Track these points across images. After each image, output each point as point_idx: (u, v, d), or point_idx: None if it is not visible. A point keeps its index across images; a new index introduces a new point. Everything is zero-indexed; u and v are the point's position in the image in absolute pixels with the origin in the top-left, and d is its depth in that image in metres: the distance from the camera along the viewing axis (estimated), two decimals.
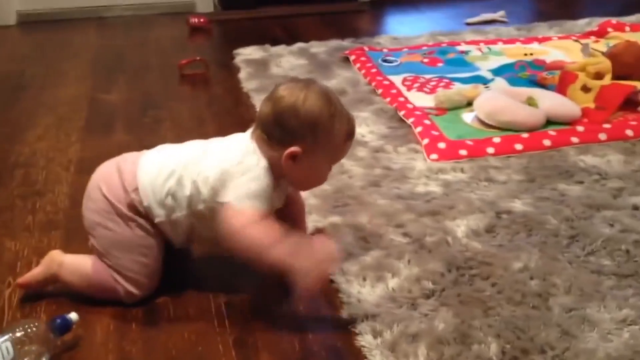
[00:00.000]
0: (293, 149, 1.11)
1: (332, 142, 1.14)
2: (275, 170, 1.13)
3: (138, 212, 1.15)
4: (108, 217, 1.15)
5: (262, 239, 1.07)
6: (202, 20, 3.00)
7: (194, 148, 1.19)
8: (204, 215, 1.14)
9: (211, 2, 3.26)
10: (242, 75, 2.33)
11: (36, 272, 1.21)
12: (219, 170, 1.11)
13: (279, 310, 1.16)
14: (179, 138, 1.85)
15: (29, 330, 1.02)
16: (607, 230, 1.32)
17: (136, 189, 1.15)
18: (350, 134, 1.17)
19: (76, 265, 1.20)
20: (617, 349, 1.00)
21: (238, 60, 2.49)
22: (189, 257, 1.30)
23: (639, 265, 1.20)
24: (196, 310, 1.18)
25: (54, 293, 1.21)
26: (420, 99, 2.00)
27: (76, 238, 1.40)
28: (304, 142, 1.11)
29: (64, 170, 1.71)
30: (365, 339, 1.06)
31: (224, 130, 1.92)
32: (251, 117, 1.99)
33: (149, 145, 1.75)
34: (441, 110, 1.91)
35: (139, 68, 2.50)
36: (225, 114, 2.07)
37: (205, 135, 1.87)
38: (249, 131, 1.17)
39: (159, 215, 1.15)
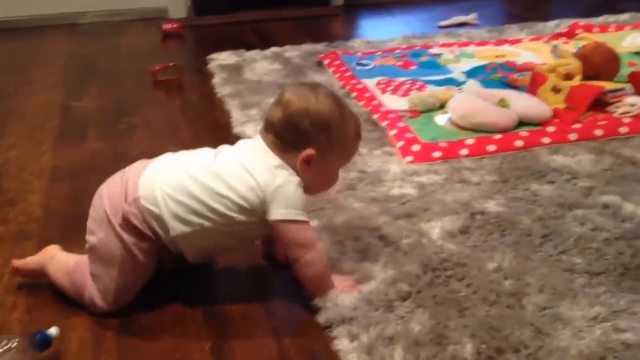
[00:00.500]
0: (309, 151, 1.12)
1: (344, 142, 1.17)
2: None
3: (132, 229, 1.12)
4: (101, 227, 1.14)
5: (320, 256, 1.15)
6: (175, 25, 2.99)
7: (204, 160, 1.15)
8: (234, 228, 1.13)
9: (184, 8, 3.25)
10: (216, 80, 2.33)
11: (30, 260, 1.23)
12: (252, 186, 1.10)
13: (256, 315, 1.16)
14: (154, 144, 1.87)
15: (7, 346, 1.01)
16: (578, 229, 1.34)
17: (137, 199, 1.12)
18: (358, 133, 1.20)
19: (63, 261, 1.21)
20: (589, 346, 1.02)
21: (212, 65, 2.49)
22: (163, 266, 1.30)
23: (610, 263, 1.22)
24: (172, 317, 1.17)
25: (30, 303, 1.20)
26: (394, 102, 2.01)
27: None
28: (318, 144, 1.13)
29: (36, 179, 1.69)
30: (341, 343, 1.06)
31: (199, 136, 1.94)
32: (226, 122, 1.99)
33: (123, 153, 1.75)
34: (415, 112, 1.93)
35: (111, 75, 2.48)
36: (200, 120, 2.06)
37: (180, 141, 1.89)
38: (258, 138, 1.16)
39: (174, 228, 1.12)
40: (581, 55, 2.07)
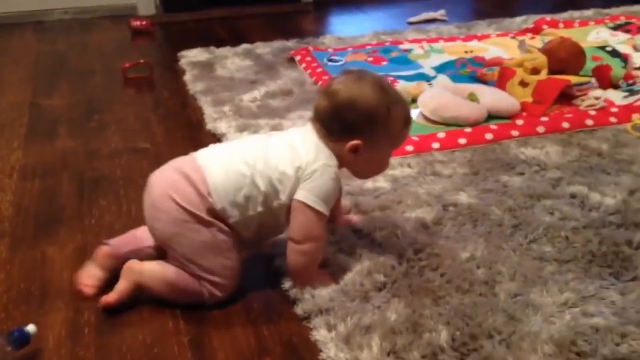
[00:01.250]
0: (354, 142, 1.14)
1: (391, 131, 1.18)
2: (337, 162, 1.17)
3: (217, 216, 1.14)
4: (187, 225, 1.13)
5: (318, 251, 1.17)
6: (144, 23, 2.97)
7: (256, 146, 1.18)
8: (278, 211, 1.16)
9: (153, 5, 3.23)
10: (187, 77, 2.32)
11: (122, 287, 1.16)
12: (295, 168, 1.13)
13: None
14: (126, 141, 1.86)
15: None
16: (547, 219, 1.37)
17: (210, 193, 1.13)
18: (407, 119, 1.20)
19: (157, 272, 1.17)
20: (559, 330, 1.04)
21: (183, 62, 2.48)
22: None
23: (578, 251, 1.26)
24: (150, 312, 1.17)
25: (6, 300, 1.19)
26: None
27: (22, 245, 1.37)
28: (364, 134, 1.14)
29: (6, 178, 1.67)
30: (319, 333, 1.08)
31: (171, 132, 1.93)
32: (198, 118, 1.99)
33: (95, 150, 1.73)
34: None
35: (81, 72, 2.45)
36: (172, 117, 2.06)
37: (152, 138, 1.88)
38: (308, 124, 1.19)
39: (233, 215, 1.15)
40: (547, 50, 2.12)
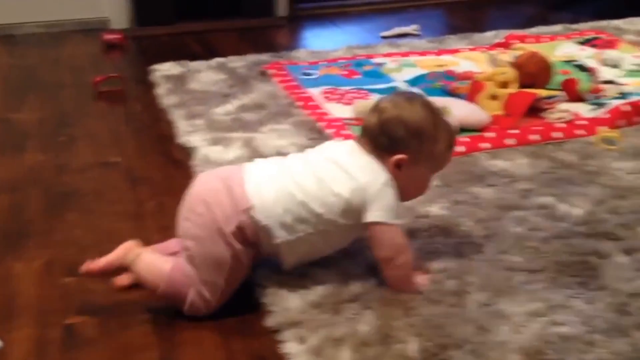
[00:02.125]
0: (400, 156, 1.17)
1: (436, 151, 1.20)
2: None
3: (243, 237, 1.15)
4: (209, 234, 1.14)
5: (410, 259, 1.19)
6: (117, 36, 2.95)
7: (304, 165, 1.20)
8: (331, 233, 1.17)
9: (126, 18, 3.21)
10: (160, 91, 2.31)
11: (111, 259, 1.18)
12: (351, 190, 1.15)
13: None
14: (97, 156, 1.85)
15: None
16: (517, 229, 1.39)
17: (247, 209, 1.14)
18: (451, 143, 1.23)
19: (153, 263, 1.18)
20: (528, 340, 1.05)
21: (156, 76, 2.47)
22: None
23: (547, 261, 1.27)
24: (118, 327, 1.16)
25: None
26: (339, 110, 2.04)
27: None
28: (409, 150, 1.17)
29: None
30: (290, 346, 1.07)
31: (143, 146, 1.92)
32: (170, 132, 1.98)
33: (65, 165, 1.72)
34: (359, 120, 1.96)
35: (51, 86, 2.43)
36: (144, 130, 2.05)
37: (124, 151, 1.87)
38: (354, 142, 1.22)
39: (280, 236, 1.15)
40: (517, 65, 2.15)
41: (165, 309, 1.19)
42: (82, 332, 1.15)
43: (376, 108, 1.21)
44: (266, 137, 1.87)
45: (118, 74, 2.40)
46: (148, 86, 2.40)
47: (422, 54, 2.64)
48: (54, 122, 2.09)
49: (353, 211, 1.16)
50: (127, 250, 1.19)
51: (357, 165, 1.18)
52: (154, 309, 1.20)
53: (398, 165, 1.18)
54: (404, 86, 2.24)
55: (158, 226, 1.48)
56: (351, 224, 1.18)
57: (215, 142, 1.84)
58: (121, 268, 1.19)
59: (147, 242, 1.40)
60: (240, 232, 1.14)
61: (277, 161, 1.24)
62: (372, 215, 1.16)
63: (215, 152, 1.79)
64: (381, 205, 1.16)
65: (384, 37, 3.06)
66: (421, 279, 1.22)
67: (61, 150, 1.89)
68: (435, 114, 1.21)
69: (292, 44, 3.01)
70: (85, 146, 1.92)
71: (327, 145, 1.27)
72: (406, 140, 1.17)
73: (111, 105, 2.28)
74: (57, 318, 1.17)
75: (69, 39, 3.07)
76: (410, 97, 1.22)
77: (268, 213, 1.14)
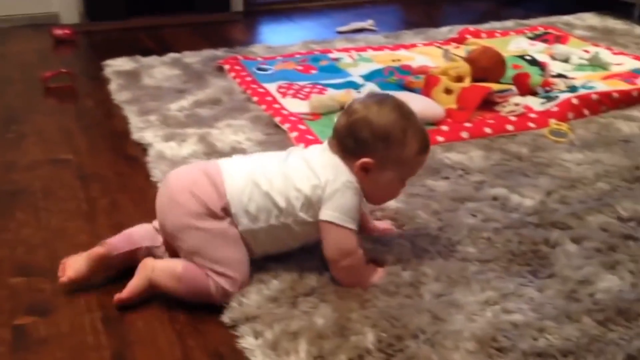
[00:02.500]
0: (364, 160, 1.15)
1: (404, 156, 1.17)
2: None
3: (230, 216, 1.17)
4: (200, 217, 1.15)
5: (356, 262, 1.18)
6: (67, 31, 2.88)
7: (277, 162, 1.21)
8: (293, 227, 1.18)
9: (76, 13, 3.14)
10: (112, 87, 2.27)
11: (135, 284, 1.17)
12: (312, 186, 1.15)
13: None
14: (46, 153, 1.80)
15: None
16: (471, 221, 1.41)
17: (225, 195, 1.16)
18: (424, 148, 1.20)
19: (167, 267, 1.18)
20: (481, 328, 1.07)
21: (108, 71, 2.42)
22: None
23: (499, 251, 1.29)
24: (69, 327, 1.13)
25: None
26: (295, 105, 2.03)
27: None
28: (376, 153, 1.15)
29: None
30: (246, 341, 1.07)
31: (95, 143, 1.88)
32: (124, 129, 1.94)
33: (13, 162, 1.67)
34: (315, 115, 1.96)
35: None
36: (96, 127, 2.00)
37: (75, 148, 1.83)
38: (326, 143, 1.21)
39: (243, 224, 1.17)
40: (470, 59, 2.18)
41: (115, 308, 1.17)
42: (32, 332, 1.12)
43: (348, 109, 1.20)
44: (221, 133, 1.85)
45: (68, 70, 2.34)
46: (100, 82, 2.35)
47: (378, 49, 2.65)
48: (1, 119, 2.03)
49: (312, 207, 1.16)
50: (146, 269, 1.17)
51: (321, 163, 1.18)
52: (105, 307, 1.17)
53: (364, 169, 1.16)
54: (360, 81, 2.25)
55: (110, 224, 1.45)
56: (312, 222, 1.17)
57: (169, 138, 1.82)
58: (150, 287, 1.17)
59: (99, 239, 1.38)
60: (226, 213, 1.16)
61: (254, 157, 1.27)
62: (324, 213, 1.15)
63: (170, 148, 1.76)
64: (336, 206, 1.15)
65: (340, 33, 3.06)
66: (376, 274, 1.22)
67: (9, 147, 1.84)
68: (406, 118, 1.18)
69: (248, 39, 2.99)
70: (34, 143, 1.87)
71: (310, 146, 1.29)
72: (372, 143, 1.15)
73: (61, 101, 2.22)
74: (6, 319, 1.14)
75: (17, 34, 2.99)
76: (381, 99, 1.19)
77: (236, 200, 1.16)
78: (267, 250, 1.22)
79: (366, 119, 1.15)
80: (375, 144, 1.15)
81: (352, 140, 1.16)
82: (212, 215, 1.15)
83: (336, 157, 1.18)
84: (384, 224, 1.39)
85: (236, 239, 1.17)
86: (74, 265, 1.20)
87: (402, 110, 1.19)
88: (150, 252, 1.24)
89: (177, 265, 1.17)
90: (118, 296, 1.16)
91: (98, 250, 1.22)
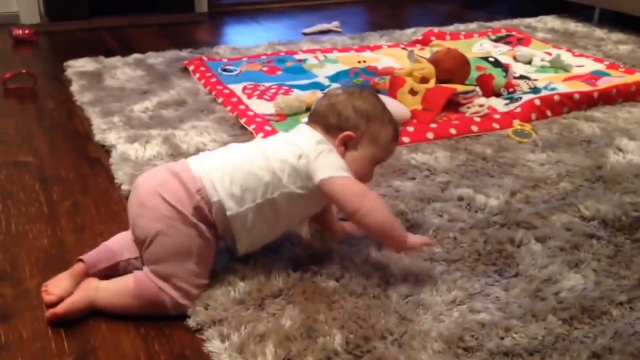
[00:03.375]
0: (347, 133, 1.20)
1: (382, 137, 1.23)
2: None
3: (202, 217, 1.14)
4: (170, 223, 1.12)
5: (377, 201, 1.18)
6: (27, 32, 2.82)
7: (249, 146, 1.23)
8: (279, 201, 1.17)
9: (37, 13, 3.07)
10: (74, 88, 2.23)
11: (74, 301, 1.13)
12: (297, 156, 1.16)
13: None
14: (6, 155, 1.76)
15: None
16: (437, 221, 1.41)
17: (199, 190, 1.14)
18: (396, 135, 1.28)
19: (115, 285, 1.15)
20: (448, 327, 1.08)
21: (69, 72, 2.37)
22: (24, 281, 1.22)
23: (465, 250, 1.30)
24: (30, 333, 1.10)
25: None
26: (261, 106, 2.02)
27: None
28: (357, 130, 1.21)
29: None
30: (212, 345, 1.05)
31: (56, 144, 1.85)
32: (86, 130, 1.91)
33: None
34: (281, 116, 1.95)
35: None
36: (57, 128, 1.96)
37: (35, 150, 1.79)
38: (302, 124, 1.26)
39: (230, 208, 1.14)
40: (435, 61, 2.20)
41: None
42: None
43: (328, 94, 1.27)
44: (186, 134, 1.83)
45: (28, 70, 2.29)
46: (61, 83, 2.31)
47: (344, 50, 2.66)
48: None
49: (299, 177, 1.16)
50: (87, 289, 1.14)
51: (302, 137, 1.21)
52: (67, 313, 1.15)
53: (344, 143, 1.21)
54: (325, 82, 2.25)
55: (73, 226, 1.42)
56: (299, 193, 1.17)
57: (132, 139, 1.79)
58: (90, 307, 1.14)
59: (61, 242, 1.35)
60: (198, 213, 1.14)
61: (222, 149, 1.26)
62: (321, 173, 1.16)
63: (134, 150, 1.73)
64: (326, 164, 1.17)
65: (306, 34, 3.06)
66: (419, 239, 1.22)
67: None
68: (383, 104, 1.26)
69: (213, 40, 2.97)
70: None
71: (280, 133, 1.32)
72: (353, 119, 1.21)
73: (21, 102, 2.17)
74: None
75: None
76: (360, 87, 1.30)
77: (217, 188, 1.14)
78: (254, 241, 1.21)
79: (349, 100, 1.23)
80: (358, 120, 1.21)
81: (335, 117, 1.21)
82: (183, 220, 1.12)
83: (316, 132, 1.22)
84: (350, 225, 1.38)
85: (202, 251, 1.15)
86: (59, 284, 1.17)
87: (379, 98, 1.29)
88: (130, 265, 1.20)
89: (127, 281, 1.14)
90: (52, 311, 1.11)
91: (79, 267, 1.19)
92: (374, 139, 1.23)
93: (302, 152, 1.17)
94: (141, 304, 1.13)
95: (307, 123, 1.26)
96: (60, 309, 1.12)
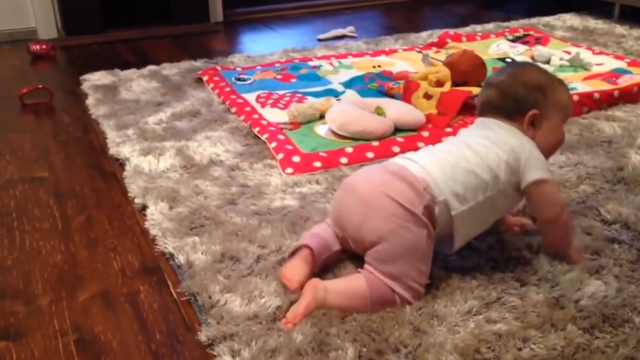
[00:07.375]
0: (532, 112, 1.21)
1: (561, 100, 1.25)
2: None
3: (430, 217, 1.14)
4: (401, 223, 1.12)
5: (569, 215, 1.24)
6: (44, 47, 2.85)
7: (451, 144, 1.24)
8: (497, 197, 1.18)
9: (54, 28, 3.11)
10: (89, 101, 2.24)
11: (308, 303, 1.11)
12: (506, 151, 1.18)
13: None
14: (22, 171, 1.77)
15: None
16: None
17: (425, 188, 1.14)
18: (568, 89, 1.28)
19: (344, 287, 1.14)
20: (463, 339, 1.04)
21: (85, 86, 2.39)
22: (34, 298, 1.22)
23: (481, 257, 1.27)
24: (42, 352, 1.09)
25: None
26: (275, 115, 2.01)
27: None
28: (537, 105, 1.22)
29: None
30: None
31: (71, 159, 1.85)
32: (100, 144, 1.91)
33: None
34: (295, 124, 1.94)
35: None
36: (73, 143, 1.97)
37: (51, 165, 1.79)
38: (479, 120, 1.27)
39: (455, 207, 1.15)
40: (449, 63, 2.16)
41: (91, 328, 1.14)
42: (4, 357, 1.08)
43: (490, 84, 1.27)
44: (199, 145, 1.82)
45: (45, 85, 2.31)
46: (77, 97, 2.32)
47: (359, 55, 2.64)
48: None
49: (513, 174, 1.18)
50: (315, 290, 1.13)
51: (501, 132, 1.22)
52: (79, 329, 1.14)
53: (532, 123, 1.22)
54: (340, 88, 2.23)
55: (86, 241, 1.42)
56: (509, 192, 1.19)
57: (146, 151, 1.79)
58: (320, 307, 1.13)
59: (74, 258, 1.35)
60: (427, 212, 1.14)
61: (425, 149, 1.27)
62: (532, 174, 1.18)
63: (147, 162, 1.73)
64: (536, 163, 1.18)
65: (321, 40, 3.05)
66: (577, 252, 1.26)
67: None
68: (546, 71, 1.27)
69: (229, 49, 2.97)
70: (8, 162, 1.83)
71: (460, 131, 1.31)
72: (530, 97, 1.22)
73: (38, 118, 2.19)
74: None
75: None
76: (515, 65, 1.31)
77: (442, 187, 1.15)
78: (467, 239, 1.22)
79: (515, 80, 1.23)
80: (535, 96, 1.22)
81: (512, 102, 1.22)
82: (414, 219, 1.13)
83: (509, 125, 1.22)
84: (522, 219, 1.39)
85: (429, 249, 1.15)
86: (294, 270, 1.18)
87: (539, 67, 1.30)
88: (337, 257, 1.24)
89: (358, 283, 1.13)
90: (292, 322, 1.10)
91: (307, 252, 1.20)
92: (556, 105, 1.24)
93: (509, 147, 1.19)
94: (372, 304, 1.12)
95: (486, 116, 1.26)
96: (297, 318, 1.10)
